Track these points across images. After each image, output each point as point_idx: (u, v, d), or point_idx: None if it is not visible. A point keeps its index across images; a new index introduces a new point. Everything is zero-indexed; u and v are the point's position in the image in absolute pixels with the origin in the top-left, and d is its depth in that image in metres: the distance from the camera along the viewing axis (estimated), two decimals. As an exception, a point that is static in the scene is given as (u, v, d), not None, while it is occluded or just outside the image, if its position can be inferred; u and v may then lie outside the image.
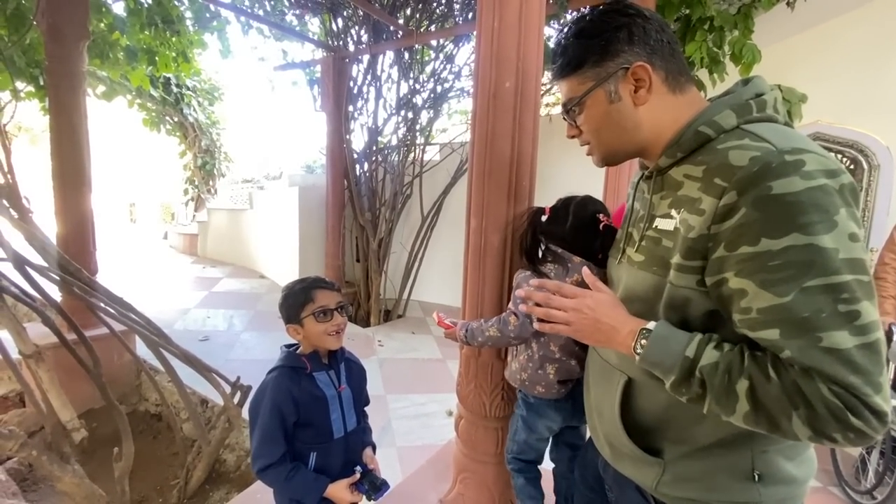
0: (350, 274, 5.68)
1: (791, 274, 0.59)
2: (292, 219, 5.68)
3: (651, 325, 0.74)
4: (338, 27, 4.85)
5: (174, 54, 4.57)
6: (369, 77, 4.96)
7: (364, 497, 1.29)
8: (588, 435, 1.08)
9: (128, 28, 3.99)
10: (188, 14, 4.47)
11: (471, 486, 1.62)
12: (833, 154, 3.19)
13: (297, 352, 1.31)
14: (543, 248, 1.29)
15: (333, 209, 5.08)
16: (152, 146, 12.22)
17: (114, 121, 11.52)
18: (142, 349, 2.65)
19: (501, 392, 1.53)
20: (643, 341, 0.72)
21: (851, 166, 3.17)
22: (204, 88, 9.24)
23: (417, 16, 4.77)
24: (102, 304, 2.29)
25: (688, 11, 2.69)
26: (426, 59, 5.16)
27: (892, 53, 2.91)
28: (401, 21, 4.65)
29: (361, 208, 5.03)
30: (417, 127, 5.15)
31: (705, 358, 0.66)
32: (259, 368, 1.39)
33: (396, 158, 5.13)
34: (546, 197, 1.35)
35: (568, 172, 4.50)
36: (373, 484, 1.29)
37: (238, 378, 2.40)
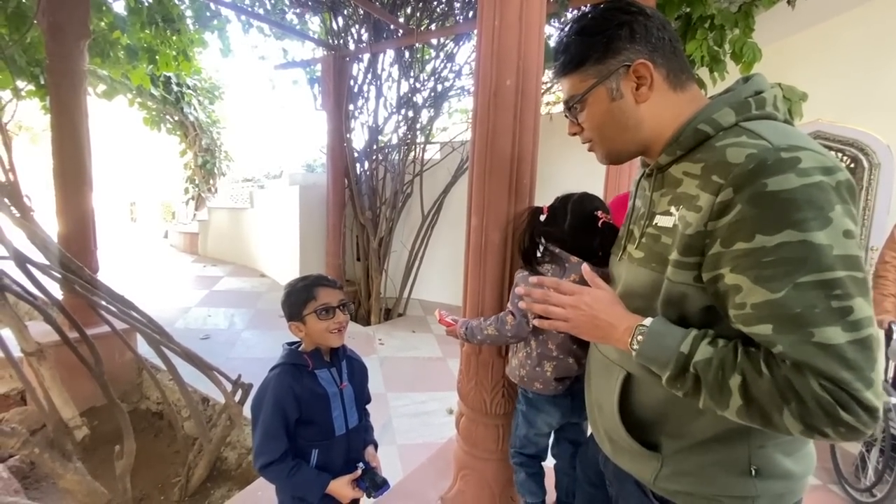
0: (351, 272, 5.68)
1: (785, 270, 0.59)
2: (293, 217, 5.68)
3: (647, 321, 0.75)
4: (338, 26, 4.85)
5: (175, 53, 4.58)
6: (370, 76, 4.97)
7: (364, 494, 1.29)
8: (589, 431, 1.08)
9: (128, 27, 3.99)
10: (188, 13, 4.47)
11: (471, 483, 1.62)
12: (833, 153, 3.20)
13: (299, 349, 1.32)
14: (542, 248, 1.29)
15: (334, 208, 5.08)
16: (153, 145, 12.23)
17: (114, 120, 11.53)
18: (143, 347, 2.65)
19: (502, 389, 1.53)
20: (639, 337, 0.74)
21: (852, 165, 3.18)
22: (204, 87, 9.24)
23: (418, 14, 4.77)
24: (104, 303, 2.30)
25: (688, 10, 2.68)
26: (427, 57, 5.16)
27: (892, 52, 2.91)
28: (401, 20, 4.66)
29: (362, 207, 5.03)
30: (418, 126, 5.15)
31: (699, 354, 0.67)
32: (260, 367, 1.39)
33: (397, 157, 5.14)
34: (547, 196, 1.35)
35: (569, 171, 4.50)
36: (373, 482, 1.30)
37: (239, 376, 2.41)
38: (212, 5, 4.45)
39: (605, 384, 0.89)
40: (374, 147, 5.12)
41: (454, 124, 6.02)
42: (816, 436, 0.60)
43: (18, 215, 2.26)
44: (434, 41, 4.87)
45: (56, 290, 2.48)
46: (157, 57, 4.48)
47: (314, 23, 5.44)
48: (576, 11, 3.19)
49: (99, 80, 5.74)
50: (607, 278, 1.14)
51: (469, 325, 1.40)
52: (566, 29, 0.84)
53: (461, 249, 1.57)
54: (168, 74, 7.75)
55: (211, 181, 9.86)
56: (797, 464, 0.75)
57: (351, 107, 4.99)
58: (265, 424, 1.22)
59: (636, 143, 0.82)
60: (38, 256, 2.24)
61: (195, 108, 9.00)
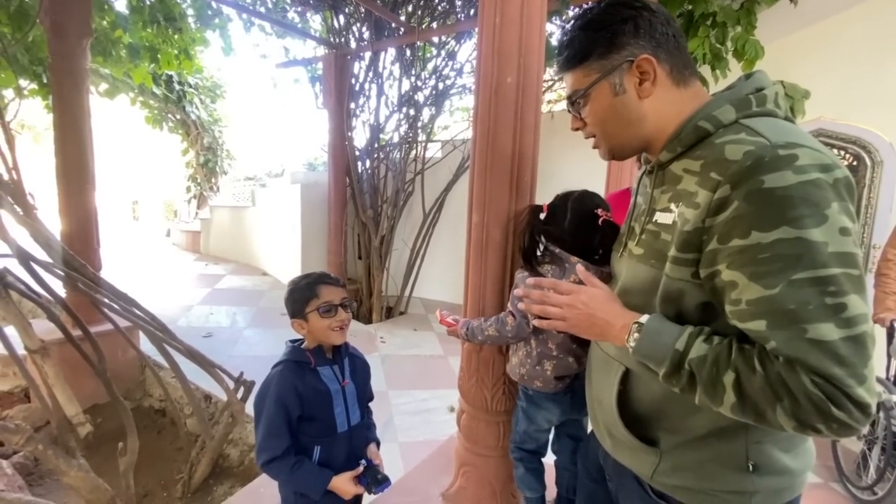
0: (352, 271, 5.69)
1: (780, 266, 0.60)
2: (294, 216, 5.69)
3: (644, 318, 0.75)
4: (339, 24, 4.85)
5: (176, 52, 4.59)
6: (371, 74, 4.97)
7: (366, 491, 1.30)
8: (590, 427, 1.09)
9: (130, 25, 4.00)
10: (190, 11, 4.47)
11: (472, 480, 1.63)
12: (835, 150, 3.19)
13: (302, 346, 1.32)
14: (542, 248, 1.29)
15: (335, 206, 5.09)
16: (155, 144, 12.27)
17: (116, 119, 11.54)
18: (146, 345, 2.67)
19: (503, 386, 1.54)
20: (636, 335, 0.74)
21: (854, 162, 3.17)
22: (206, 86, 9.26)
23: (419, 13, 4.77)
24: (107, 300, 2.31)
25: (690, 7, 2.68)
26: (428, 55, 5.16)
27: (894, 49, 2.90)
28: (402, 18, 4.65)
29: (363, 205, 5.04)
30: (419, 124, 5.15)
31: (694, 351, 0.68)
32: (262, 364, 1.40)
33: (398, 155, 5.14)
34: (548, 194, 1.35)
35: (570, 169, 4.50)
36: (375, 478, 1.30)
37: (241, 374, 2.42)
38: (213, 4, 4.46)
39: (604, 380, 0.89)
40: (376, 145, 5.13)
41: (455, 122, 6.02)
42: (809, 432, 0.61)
43: (22, 213, 2.27)
44: (435, 39, 4.87)
45: (59, 288, 2.49)
46: (158, 56, 4.49)
47: (315, 21, 5.45)
48: (577, 9, 3.19)
49: (101, 78, 5.75)
50: (608, 276, 1.14)
51: (470, 325, 1.40)
52: (571, 24, 0.84)
53: (462, 248, 1.58)
54: (170, 73, 7.76)
55: (213, 180, 9.88)
56: (795, 460, 0.75)
57: (352, 105, 4.99)
58: (268, 421, 1.23)
59: (639, 138, 0.82)
60: (42, 254, 2.25)
61: (197, 107, 9.02)
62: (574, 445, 1.44)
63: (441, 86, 4.97)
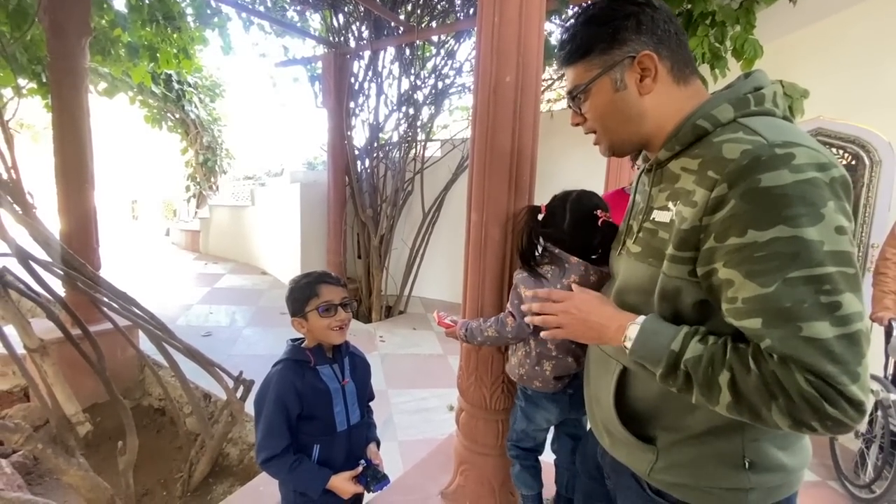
0: (351, 270, 5.69)
1: (775, 265, 0.60)
2: (294, 215, 5.69)
3: (640, 319, 0.75)
4: (339, 23, 4.85)
5: (175, 51, 4.57)
6: (370, 73, 4.96)
7: (364, 489, 1.30)
8: (589, 426, 1.09)
9: (129, 24, 3.99)
10: (189, 10, 4.47)
11: (471, 478, 1.63)
12: (834, 150, 3.20)
13: (302, 345, 1.32)
14: (541, 248, 1.29)
15: (335, 206, 5.09)
16: (154, 143, 12.26)
17: (116, 118, 11.54)
18: (145, 344, 2.67)
19: (502, 385, 1.54)
20: (632, 336, 0.75)
21: (853, 162, 3.17)
22: (205, 85, 9.25)
23: (418, 12, 4.77)
24: (106, 300, 2.31)
25: (690, 6, 2.68)
26: (427, 55, 5.16)
27: (893, 49, 2.90)
28: (402, 17, 4.65)
29: (363, 205, 5.04)
30: (418, 123, 5.15)
31: (689, 351, 0.68)
32: (261, 364, 1.40)
33: (398, 155, 5.13)
34: (548, 193, 1.35)
35: (570, 169, 4.50)
36: (373, 477, 1.30)
37: (241, 372, 2.42)
38: (212, 3, 4.45)
39: (602, 378, 0.90)
40: (375, 145, 5.13)
41: (455, 121, 6.02)
42: (805, 430, 0.61)
43: (21, 212, 2.27)
44: (435, 38, 4.87)
45: (59, 287, 2.49)
46: (157, 54, 4.48)
47: (315, 20, 5.44)
48: (576, 8, 3.19)
49: (100, 77, 5.75)
50: (607, 276, 1.15)
51: (469, 326, 1.40)
52: (573, 19, 0.84)
53: (462, 247, 1.58)
54: (169, 72, 7.76)
55: (212, 179, 9.88)
56: (791, 457, 0.76)
57: (352, 104, 4.99)
58: (267, 419, 1.23)
59: (638, 135, 0.82)
60: (41, 253, 2.25)
61: (196, 106, 9.01)
62: (573, 444, 1.45)
63: (440, 85, 4.97)
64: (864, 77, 3.01)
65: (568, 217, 1.22)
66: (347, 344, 1.38)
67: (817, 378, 0.58)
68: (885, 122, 2.96)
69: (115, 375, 2.38)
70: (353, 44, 4.89)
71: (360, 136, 5.16)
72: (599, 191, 1.43)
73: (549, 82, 4.62)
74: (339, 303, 1.28)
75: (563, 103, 4.78)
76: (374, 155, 5.14)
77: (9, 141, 2.44)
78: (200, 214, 9.05)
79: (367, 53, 4.86)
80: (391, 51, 4.86)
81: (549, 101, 5.05)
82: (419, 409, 3.09)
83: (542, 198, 1.40)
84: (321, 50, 5.04)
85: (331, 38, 4.91)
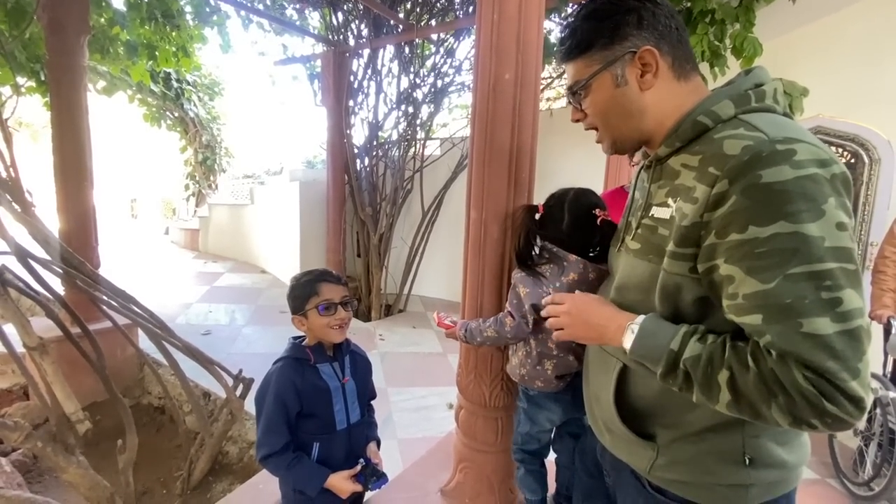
0: (351, 269, 5.69)
1: (776, 261, 0.60)
2: (293, 214, 5.69)
3: (639, 319, 0.76)
4: (338, 21, 4.84)
5: (174, 49, 4.57)
6: (370, 71, 4.96)
7: (363, 488, 1.30)
8: (588, 424, 1.09)
9: (128, 22, 3.98)
10: (188, 8, 4.46)
11: (470, 476, 1.64)
12: (833, 148, 3.19)
13: (303, 344, 1.32)
14: (538, 247, 1.28)
15: (334, 204, 5.09)
16: (153, 141, 12.25)
17: (115, 116, 11.53)
18: (145, 342, 2.67)
19: (501, 382, 1.54)
20: (631, 335, 0.75)
21: (852, 160, 3.17)
22: (204, 83, 9.24)
23: (418, 10, 4.76)
24: (105, 298, 2.30)
25: (689, 4, 2.68)
26: (427, 53, 5.15)
27: (892, 48, 2.90)
28: (401, 15, 4.64)
29: (362, 203, 5.03)
30: (418, 122, 5.14)
31: (689, 350, 0.68)
32: (261, 362, 1.40)
33: (397, 153, 5.13)
34: (547, 192, 1.34)
35: (569, 167, 4.50)
36: (372, 475, 1.30)
37: (240, 371, 2.42)
38: (211, 1, 4.44)
39: (602, 376, 0.90)
40: (375, 143, 5.12)
41: (454, 120, 6.02)
42: (805, 427, 0.61)
43: (20, 211, 2.27)
44: (434, 37, 4.85)
45: (58, 286, 2.49)
46: (156, 53, 4.48)
47: (314, 18, 5.43)
48: (576, 6, 3.18)
49: (99, 76, 5.74)
50: (606, 273, 1.14)
51: (468, 326, 1.40)
52: (574, 14, 0.84)
53: (461, 246, 1.58)
54: (168, 70, 7.75)
55: (211, 177, 9.87)
56: (791, 453, 0.76)
57: (351, 103, 4.98)
58: (267, 417, 1.24)
59: (639, 131, 0.82)
60: (40, 252, 2.24)
61: (195, 105, 9.00)
62: (574, 444, 1.43)
63: (440, 83, 4.97)
64: (863, 75, 3.01)
65: (566, 216, 1.21)
66: (348, 342, 1.38)
67: (816, 375, 0.58)
68: (885, 121, 2.96)
69: (114, 374, 2.38)
70: (352, 42, 4.89)
71: (359, 135, 5.17)
72: (599, 189, 1.43)
73: (549, 80, 4.62)
74: (340, 301, 1.28)
75: (563, 102, 4.78)
76: (374, 153, 5.14)
77: (8, 139, 2.43)
78: (200, 213, 9.05)
79: (366, 52, 4.85)
80: (390, 49, 4.85)
81: (548, 99, 5.05)
82: (419, 407, 3.09)
83: (541, 196, 1.39)
84: (320, 48, 5.03)
85: (330, 37, 4.91)
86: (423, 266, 5.35)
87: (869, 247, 3.08)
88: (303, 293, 1.27)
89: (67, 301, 2.35)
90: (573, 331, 0.86)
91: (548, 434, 1.45)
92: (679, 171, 0.75)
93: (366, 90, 5.05)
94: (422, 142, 5.23)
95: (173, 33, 4.41)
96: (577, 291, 0.93)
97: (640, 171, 0.91)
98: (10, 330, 2.06)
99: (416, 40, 4.70)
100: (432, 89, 5.01)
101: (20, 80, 3.87)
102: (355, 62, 4.93)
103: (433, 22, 4.78)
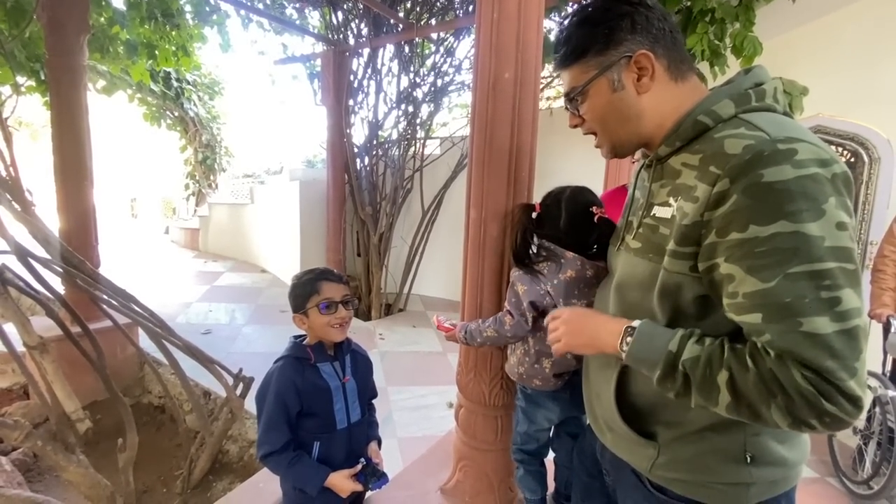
0: (351, 268, 5.69)
1: (776, 260, 0.60)
2: (293, 213, 5.69)
3: (635, 323, 0.76)
4: (338, 21, 4.83)
5: (174, 48, 4.57)
6: (369, 71, 4.95)
7: (363, 487, 1.30)
8: (587, 422, 1.09)
9: (128, 22, 3.98)
10: (188, 7, 4.46)
11: (470, 474, 1.64)
12: (833, 147, 3.19)
13: (304, 343, 1.33)
14: (536, 245, 1.28)
15: (334, 203, 5.09)
16: (153, 141, 12.24)
17: (115, 116, 11.52)
18: (145, 341, 2.67)
19: (500, 381, 1.54)
20: (628, 339, 0.75)
21: (852, 159, 3.17)
22: (204, 83, 9.24)
23: (417, 9, 4.76)
24: (106, 297, 2.30)
25: (689, 3, 2.67)
26: (426, 52, 5.15)
27: (892, 47, 2.90)
28: (401, 14, 4.64)
29: (362, 203, 5.03)
30: (418, 121, 5.14)
31: (687, 352, 0.68)
32: (261, 361, 1.40)
33: (397, 152, 5.13)
34: (547, 191, 1.34)
35: (569, 167, 4.50)
36: (372, 475, 1.30)
37: (240, 370, 2.42)
38: (211, 0, 4.44)
39: (602, 375, 0.90)
40: (374, 142, 5.12)
41: (454, 119, 6.01)
42: (805, 428, 0.61)
43: (20, 210, 2.27)
44: (434, 36, 4.85)
45: (58, 285, 2.49)
46: (156, 52, 4.47)
47: (314, 17, 5.43)
48: (575, 6, 3.18)
49: (99, 75, 5.73)
50: (603, 271, 1.14)
51: (468, 328, 1.40)
52: (567, 20, 0.84)
53: (461, 245, 1.58)
54: (168, 70, 7.74)
55: (211, 177, 9.87)
56: (791, 451, 0.76)
57: (351, 102, 4.98)
58: (267, 416, 1.24)
59: (638, 134, 0.82)
60: (40, 251, 2.24)
61: (195, 104, 9.00)
62: (573, 443, 1.43)
63: (440, 82, 4.96)
64: (863, 74, 3.01)
65: (563, 214, 1.21)
66: (349, 341, 1.38)
67: (814, 374, 0.58)
68: (884, 120, 2.96)
69: (114, 373, 2.38)
70: (352, 41, 4.88)
71: (359, 134, 5.17)
72: (599, 188, 1.43)
73: (549, 80, 4.62)
74: (341, 300, 1.28)
75: (563, 101, 4.75)
76: (374, 153, 5.14)
77: (7, 139, 2.43)
78: (200, 212, 9.05)
79: (366, 51, 4.85)
80: (390, 48, 4.85)
81: (548, 98, 5.04)
82: (419, 406, 3.09)
83: (541, 195, 1.40)
84: (320, 47, 5.03)
85: (330, 36, 4.90)
86: (423, 265, 5.35)
87: (868, 246, 3.09)
88: (304, 292, 1.28)
89: (68, 300, 2.35)
90: (569, 339, 0.86)
91: (546, 433, 1.46)
92: (680, 171, 0.75)
93: (366, 89, 5.04)
94: (422, 141, 5.23)
95: (173, 32, 4.40)
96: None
97: (639, 171, 0.91)
98: (11, 329, 2.06)
99: (416, 39, 4.70)
100: (432, 88, 5.01)
101: (20, 79, 3.87)
102: (355, 61, 4.92)
103: (433, 21, 4.77)
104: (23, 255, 2.08)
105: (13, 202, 2.25)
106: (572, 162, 4.47)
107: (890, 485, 2.10)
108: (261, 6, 5.03)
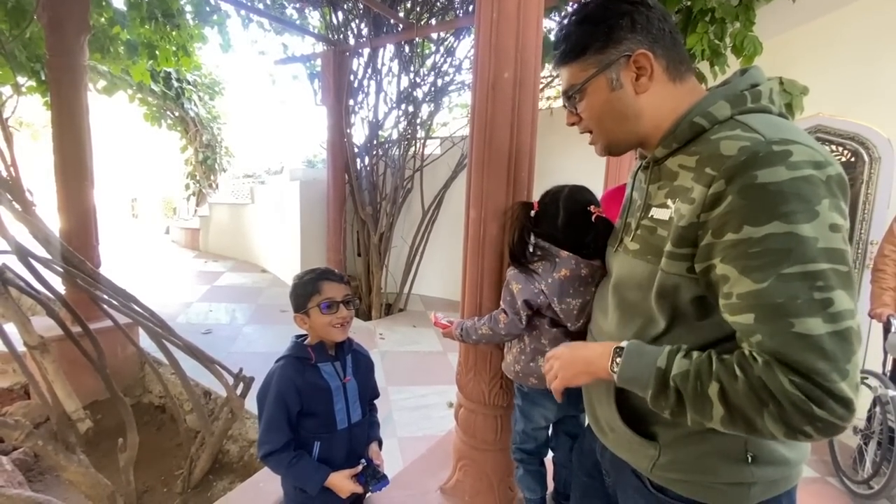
0: (351, 268, 5.69)
1: (770, 261, 0.60)
2: (293, 213, 5.69)
3: (624, 343, 0.76)
4: (338, 20, 4.83)
5: (174, 48, 4.57)
6: (370, 71, 4.95)
7: (363, 489, 1.30)
8: (586, 422, 1.09)
9: (128, 22, 3.99)
10: (188, 8, 4.46)
11: (470, 474, 1.64)
12: (833, 146, 3.19)
13: (305, 342, 1.33)
14: (532, 244, 1.28)
15: (334, 203, 5.09)
16: (153, 141, 12.26)
17: (115, 116, 11.53)
18: (145, 341, 2.67)
19: (500, 380, 1.54)
20: (618, 360, 0.75)
21: (852, 159, 3.17)
22: (204, 83, 9.25)
23: (418, 9, 4.76)
24: (106, 297, 2.31)
25: (689, 3, 2.67)
26: (427, 52, 5.15)
27: (892, 46, 2.90)
28: (401, 14, 4.64)
29: (362, 202, 5.03)
30: (418, 121, 5.14)
31: (676, 367, 0.68)
32: (261, 361, 1.40)
33: (397, 152, 5.13)
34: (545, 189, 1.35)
35: (569, 166, 4.50)
36: (373, 476, 1.30)
37: (241, 370, 2.42)
38: (211, 0, 4.44)
39: (602, 374, 0.90)
40: (375, 142, 5.12)
41: (454, 119, 6.01)
42: (801, 437, 0.60)
43: (21, 210, 2.27)
44: (434, 36, 4.85)
45: (59, 285, 2.49)
46: (156, 52, 4.48)
47: (314, 17, 5.43)
48: (576, 5, 3.18)
49: (99, 76, 5.74)
50: (598, 270, 1.14)
51: (464, 325, 1.41)
52: (568, 18, 0.84)
53: (461, 244, 1.58)
54: (168, 70, 7.75)
55: (212, 177, 9.88)
56: (792, 450, 0.76)
57: (351, 102, 4.98)
58: (268, 415, 1.24)
59: (635, 133, 0.82)
60: (41, 251, 2.25)
61: (195, 104, 9.00)
62: (571, 443, 1.44)
63: (440, 82, 4.97)
64: (863, 74, 3.01)
65: (561, 214, 1.21)
66: (350, 341, 1.38)
67: (803, 379, 0.58)
68: (885, 119, 2.96)
69: (115, 373, 2.38)
70: (352, 41, 4.88)
71: (359, 134, 5.17)
72: (599, 188, 1.43)
73: (549, 79, 4.62)
74: (342, 300, 1.28)
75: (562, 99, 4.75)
76: (374, 153, 5.14)
77: (8, 139, 2.43)
78: (200, 212, 9.05)
79: (366, 51, 4.85)
80: (390, 48, 4.85)
81: (548, 98, 5.04)
82: (419, 405, 3.10)
83: (540, 194, 1.40)
84: (320, 47, 5.03)
85: (330, 36, 4.90)
86: (424, 265, 5.35)
87: (869, 246, 3.08)
88: (305, 291, 1.28)
89: (68, 300, 2.35)
90: (564, 373, 0.86)
91: (544, 431, 1.46)
92: (677, 172, 0.75)
93: (366, 89, 5.04)
94: (422, 141, 5.23)
95: (173, 33, 4.41)
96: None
97: (636, 172, 0.91)
98: (11, 329, 2.07)
99: (416, 39, 4.70)
100: (432, 88, 5.01)
101: (20, 79, 3.87)
102: (355, 61, 4.92)
103: (433, 21, 4.77)
104: (23, 254, 2.09)
105: (14, 202, 2.25)
106: (572, 161, 4.47)
107: (890, 484, 2.10)
108: (261, 6, 5.04)
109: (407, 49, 4.88)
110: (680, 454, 0.78)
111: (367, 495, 1.37)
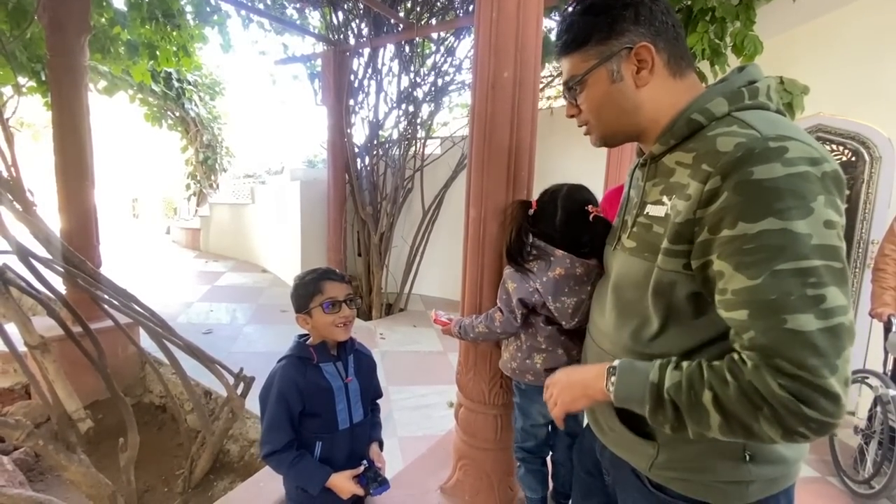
0: (352, 268, 5.70)
1: (764, 257, 0.60)
2: (294, 213, 5.70)
3: (616, 362, 0.76)
4: (338, 20, 4.84)
5: (175, 49, 4.57)
6: (370, 70, 4.96)
7: (364, 491, 1.30)
8: (586, 421, 1.09)
9: (128, 22, 3.99)
10: (188, 8, 4.46)
11: (470, 473, 1.64)
12: (833, 146, 3.19)
13: (307, 342, 1.33)
14: (529, 244, 1.28)
15: (335, 203, 5.09)
16: (154, 141, 12.27)
17: (116, 116, 11.54)
18: (146, 341, 2.67)
19: (500, 380, 1.54)
20: (612, 379, 0.75)
21: (853, 158, 3.17)
22: (205, 83, 9.25)
23: (418, 9, 4.76)
24: (107, 297, 2.31)
25: (689, 2, 2.67)
26: (427, 52, 5.15)
27: (893, 45, 2.90)
28: (401, 14, 4.64)
29: (363, 202, 5.04)
30: (418, 120, 5.14)
31: (668, 379, 0.68)
32: (262, 361, 1.40)
33: (397, 152, 5.13)
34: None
35: (570, 166, 4.49)
36: (374, 479, 1.30)
37: (241, 369, 2.42)
38: (212, 0, 4.44)
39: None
40: (375, 142, 5.12)
41: (455, 119, 6.01)
42: (798, 438, 0.60)
43: (21, 210, 2.27)
44: (434, 35, 4.85)
45: (59, 285, 2.50)
46: (157, 52, 4.48)
47: (314, 17, 5.43)
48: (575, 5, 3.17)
49: (100, 76, 5.74)
50: (593, 268, 1.14)
51: (462, 323, 1.42)
52: (571, 7, 0.84)
53: (462, 244, 1.58)
54: (169, 70, 7.75)
55: (212, 177, 9.89)
56: (790, 449, 0.76)
57: (351, 102, 4.98)
58: (270, 415, 1.24)
59: (633, 126, 0.82)
60: (42, 251, 2.25)
61: (196, 104, 9.01)
62: (570, 441, 1.44)
63: (440, 82, 4.97)
64: (863, 73, 3.00)
65: (559, 212, 1.21)
66: (353, 341, 1.38)
67: (791, 380, 0.58)
68: (885, 119, 2.96)
69: (116, 372, 2.38)
70: (352, 41, 4.88)
71: (359, 134, 5.17)
72: (599, 187, 1.43)
73: (549, 79, 4.62)
74: (343, 299, 1.28)
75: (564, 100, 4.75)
76: (374, 152, 5.14)
77: (9, 139, 2.44)
78: (201, 212, 9.06)
79: (366, 51, 4.85)
80: (391, 48, 4.85)
81: (548, 98, 5.04)
82: (419, 405, 3.10)
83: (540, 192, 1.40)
84: (321, 47, 5.03)
85: (330, 36, 4.90)
86: (424, 265, 5.36)
87: (870, 245, 3.08)
88: (307, 291, 1.28)
89: (69, 300, 2.36)
90: (563, 398, 0.86)
91: (543, 429, 1.46)
92: (674, 169, 0.75)
93: (366, 89, 5.05)
94: (422, 141, 5.23)
95: (174, 33, 4.41)
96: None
97: (634, 170, 0.91)
98: (12, 329, 2.07)
99: (417, 39, 4.70)
100: (433, 88, 5.01)
101: (21, 79, 3.88)
102: (356, 61, 4.92)
103: (433, 21, 4.77)
104: (24, 255, 2.09)
105: (15, 202, 2.25)
106: (572, 161, 4.47)
107: (891, 484, 2.10)
108: (261, 6, 5.04)
109: (407, 49, 4.88)
110: (678, 453, 0.78)
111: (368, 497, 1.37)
